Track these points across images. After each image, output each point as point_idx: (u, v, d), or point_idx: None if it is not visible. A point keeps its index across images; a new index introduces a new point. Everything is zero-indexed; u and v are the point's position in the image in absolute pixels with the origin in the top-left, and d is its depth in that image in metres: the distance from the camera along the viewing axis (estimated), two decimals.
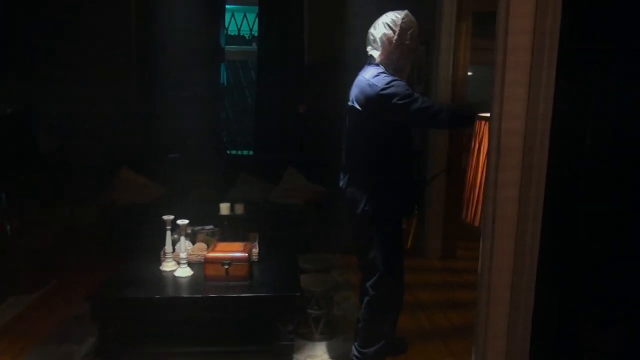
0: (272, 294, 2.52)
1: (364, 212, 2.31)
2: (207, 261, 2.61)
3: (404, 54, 2.24)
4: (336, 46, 4.88)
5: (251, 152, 5.38)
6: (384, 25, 2.23)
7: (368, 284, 2.39)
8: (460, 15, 4.10)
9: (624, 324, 1.06)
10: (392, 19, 2.22)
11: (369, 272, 2.39)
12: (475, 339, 1.27)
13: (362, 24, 2.43)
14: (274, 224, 3.87)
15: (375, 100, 2.19)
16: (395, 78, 2.21)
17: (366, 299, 2.41)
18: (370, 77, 2.24)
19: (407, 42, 2.22)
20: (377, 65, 2.27)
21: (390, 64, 2.25)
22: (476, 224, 1.18)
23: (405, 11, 2.24)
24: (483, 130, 1.13)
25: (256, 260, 2.87)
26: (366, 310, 2.43)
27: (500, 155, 1.01)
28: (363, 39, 2.35)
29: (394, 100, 2.15)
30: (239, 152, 5.56)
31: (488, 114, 1.29)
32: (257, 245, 2.96)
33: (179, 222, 2.71)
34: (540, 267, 1.09)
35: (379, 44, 2.26)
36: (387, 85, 2.17)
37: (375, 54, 2.28)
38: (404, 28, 2.20)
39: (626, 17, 0.90)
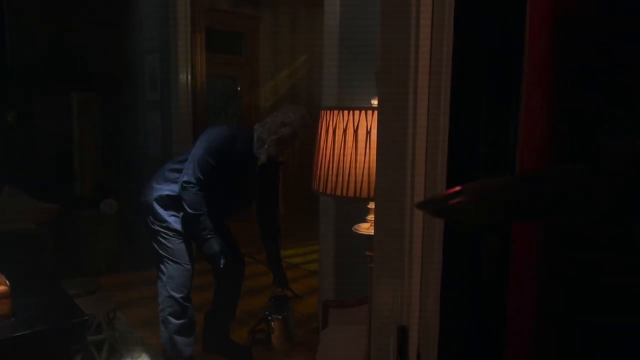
0: (55, 326, 2.16)
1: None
2: None
3: (275, 138, 2.39)
4: (53, 40, 4.26)
5: None
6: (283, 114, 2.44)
7: None
8: (194, 26, 4.27)
9: None
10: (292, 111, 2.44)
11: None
12: None
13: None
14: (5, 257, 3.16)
15: None
16: (231, 138, 2.42)
17: None
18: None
19: (286, 134, 2.39)
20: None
21: (262, 132, 2.42)
22: (327, 192, 1.41)
23: (302, 112, 2.44)
24: (347, 120, 1.38)
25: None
26: None
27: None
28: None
29: (199, 140, 2.44)
30: None
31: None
32: (5, 280, 2.42)
33: None
34: None
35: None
36: (216, 131, 2.48)
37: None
38: (286, 122, 2.40)
39: None
